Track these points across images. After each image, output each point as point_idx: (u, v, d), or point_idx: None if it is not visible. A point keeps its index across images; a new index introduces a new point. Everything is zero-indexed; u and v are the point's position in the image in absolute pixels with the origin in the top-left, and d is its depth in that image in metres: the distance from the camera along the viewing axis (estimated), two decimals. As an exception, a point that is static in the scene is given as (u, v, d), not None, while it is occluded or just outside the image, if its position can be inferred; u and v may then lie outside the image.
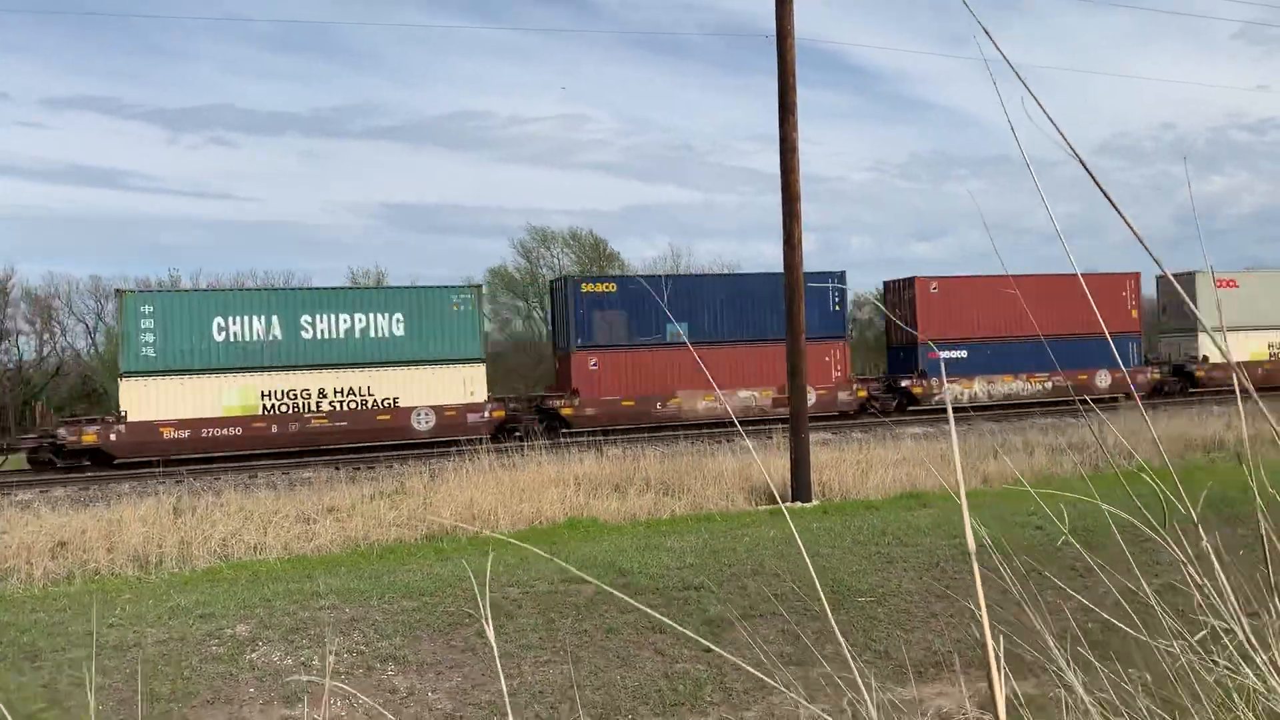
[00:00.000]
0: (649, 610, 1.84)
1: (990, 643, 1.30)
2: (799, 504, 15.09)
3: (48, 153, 74.62)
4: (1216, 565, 1.95)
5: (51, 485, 20.96)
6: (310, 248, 75.21)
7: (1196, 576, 1.94)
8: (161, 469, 20.75)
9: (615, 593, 1.95)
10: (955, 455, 1.51)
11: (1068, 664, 2.13)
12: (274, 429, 23.54)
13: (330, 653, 8.24)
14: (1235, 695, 1.98)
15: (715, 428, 25.84)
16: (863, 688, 1.57)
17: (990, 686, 1.28)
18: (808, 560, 1.73)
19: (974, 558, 1.37)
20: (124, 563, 12.15)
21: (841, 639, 1.58)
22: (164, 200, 73.33)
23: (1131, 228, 1.57)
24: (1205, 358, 32.45)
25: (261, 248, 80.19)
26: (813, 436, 17.57)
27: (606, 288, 26.93)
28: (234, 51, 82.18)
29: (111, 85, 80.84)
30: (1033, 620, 2.37)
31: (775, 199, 15.57)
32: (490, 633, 1.54)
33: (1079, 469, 16.88)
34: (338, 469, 20.73)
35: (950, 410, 1.49)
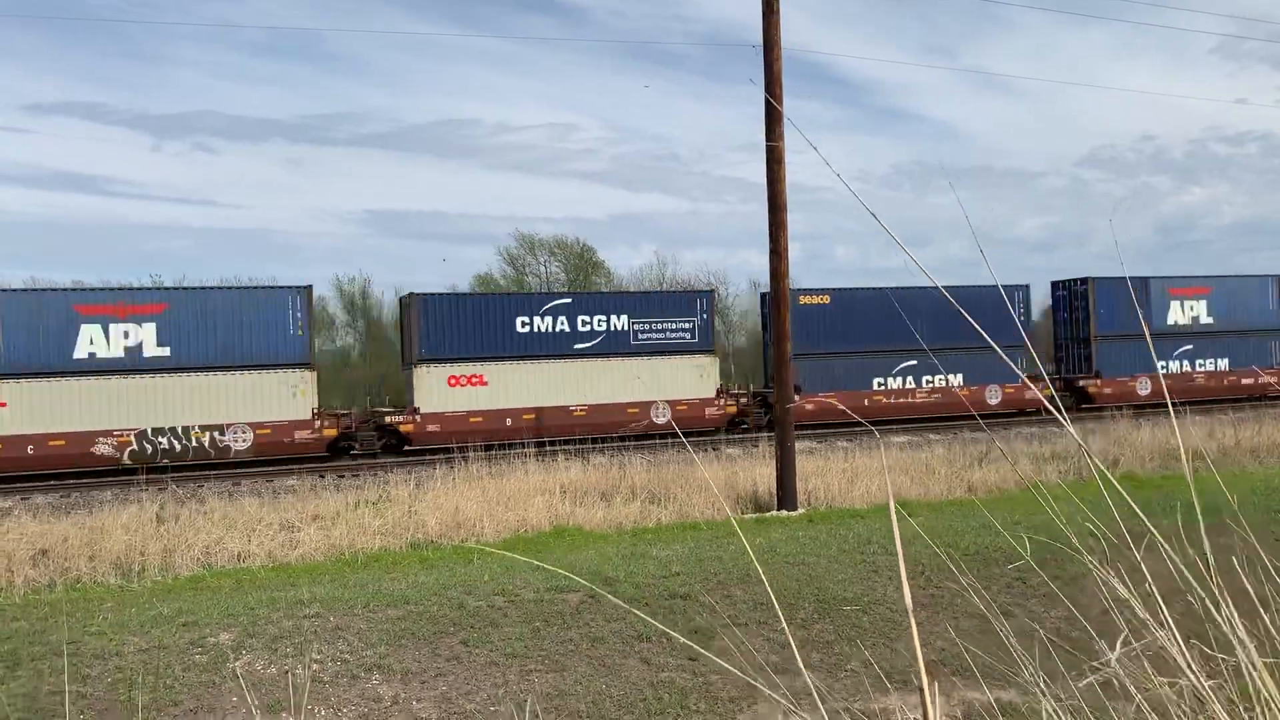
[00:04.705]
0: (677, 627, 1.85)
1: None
2: (785, 512, 15.10)
3: (31, 158, 74.25)
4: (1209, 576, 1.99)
5: (32, 492, 20.79)
6: (294, 254, 75.02)
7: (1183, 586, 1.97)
8: (146, 477, 20.59)
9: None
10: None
11: (1038, 674, 2.16)
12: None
13: (314, 661, 8.21)
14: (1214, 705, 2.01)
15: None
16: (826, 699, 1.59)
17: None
18: (763, 575, 1.75)
19: (911, 614, 1.39)
20: (106, 570, 12.07)
21: (797, 654, 1.60)
22: (148, 207, 73.08)
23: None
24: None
25: (245, 254, 79.91)
26: (740, 448, 17.62)
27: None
28: (220, 58, 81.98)
29: (96, 91, 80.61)
30: (1011, 629, 2.39)
31: (761, 207, 15.65)
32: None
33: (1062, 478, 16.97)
34: (322, 476, 20.67)
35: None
